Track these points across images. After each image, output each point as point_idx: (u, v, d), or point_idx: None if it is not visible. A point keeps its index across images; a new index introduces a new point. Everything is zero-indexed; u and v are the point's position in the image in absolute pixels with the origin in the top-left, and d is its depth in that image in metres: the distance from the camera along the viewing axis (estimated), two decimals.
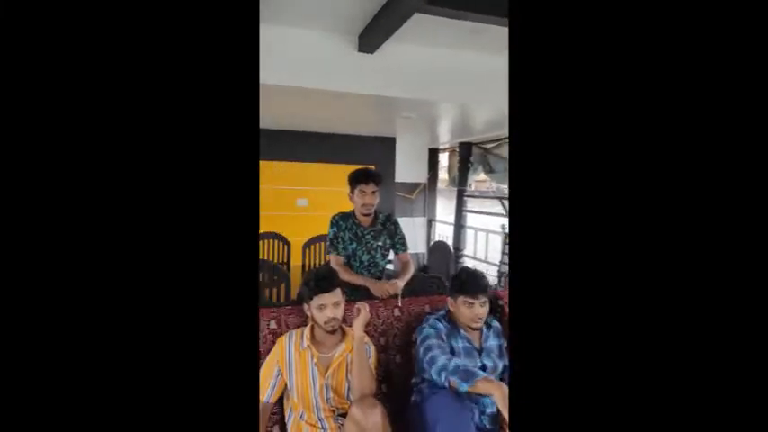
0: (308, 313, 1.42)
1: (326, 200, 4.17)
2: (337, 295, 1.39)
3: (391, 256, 2.01)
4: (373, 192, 1.84)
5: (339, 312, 1.39)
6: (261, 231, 3.26)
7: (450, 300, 1.52)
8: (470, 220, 4.55)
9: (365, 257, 1.90)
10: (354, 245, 1.88)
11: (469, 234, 4.52)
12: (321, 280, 1.39)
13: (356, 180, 1.85)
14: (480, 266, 4.24)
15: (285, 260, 3.20)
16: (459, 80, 2.52)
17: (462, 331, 1.49)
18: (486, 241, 4.40)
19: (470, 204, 4.53)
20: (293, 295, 2.28)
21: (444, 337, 1.46)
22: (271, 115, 3.48)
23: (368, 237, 1.90)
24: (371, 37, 2.23)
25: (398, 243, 1.96)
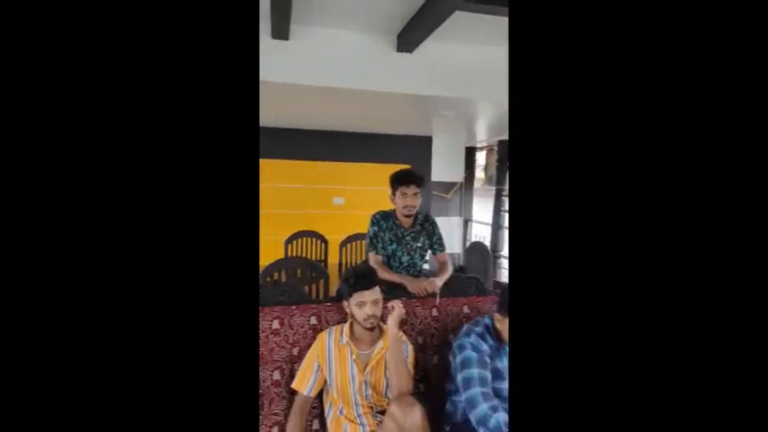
0: (348, 310, 1.44)
1: (363, 199, 4.21)
2: (377, 293, 1.41)
3: (428, 255, 2.00)
4: (415, 193, 1.84)
5: (378, 310, 1.41)
6: (299, 229, 3.34)
7: (497, 315, 1.34)
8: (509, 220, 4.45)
9: (405, 258, 1.90)
10: (394, 245, 1.89)
11: (507, 235, 4.42)
12: (361, 277, 1.41)
13: (398, 181, 1.85)
14: None
15: (323, 258, 3.26)
16: (499, 77, 2.47)
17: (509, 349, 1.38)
18: None
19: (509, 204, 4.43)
20: (332, 292, 2.32)
21: (488, 360, 1.29)
22: (308, 116, 3.55)
23: (408, 238, 1.90)
24: (410, 36, 2.23)
25: (436, 243, 1.95)
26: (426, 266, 2.04)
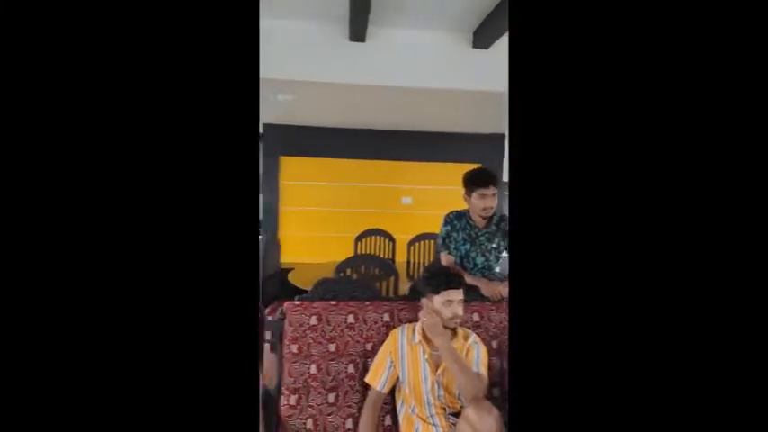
0: (426, 308, 1.44)
1: (430, 198, 4.18)
2: (462, 293, 1.41)
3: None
4: (494, 194, 1.78)
5: (461, 310, 1.40)
6: (367, 228, 3.40)
7: None
8: None
9: (479, 260, 1.86)
10: (468, 246, 1.86)
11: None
12: (452, 276, 1.43)
13: (475, 183, 1.79)
14: None
15: (390, 256, 3.29)
16: None
17: None
18: None
19: None
20: (401, 290, 2.34)
21: None
22: (377, 115, 3.60)
23: (482, 239, 1.86)
24: (486, 33, 2.18)
25: None
26: (498, 269, 1.98)
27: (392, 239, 3.37)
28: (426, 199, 4.23)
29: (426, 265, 3.09)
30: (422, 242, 3.24)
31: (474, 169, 1.85)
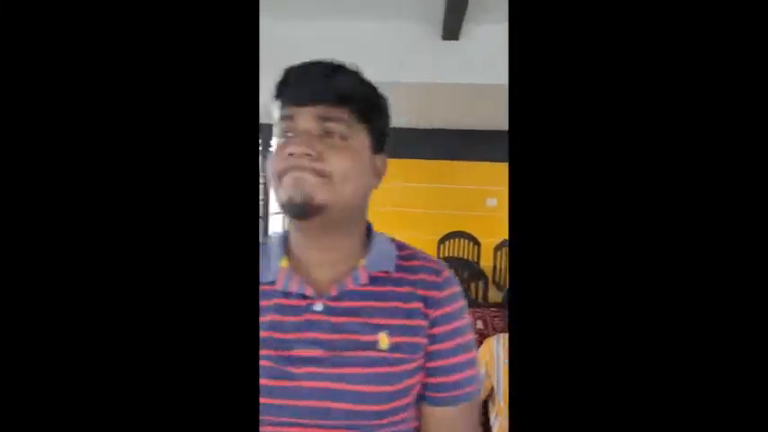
0: None
1: None
2: None
3: None
4: None
5: None
6: (450, 230, 3.34)
7: None
8: None
9: None
10: None
11: None
12: None
13: None
14: None
15: (475, 260, 3.19)
16: None
17: None
18: None
19: None
20: (491, 297, 2.25)
21: None
22: (462, 115, 3.52)
23: None
24: None
25: None
26: None
27: (477, 243, 3.27)
28: None
29: None
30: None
31: None
